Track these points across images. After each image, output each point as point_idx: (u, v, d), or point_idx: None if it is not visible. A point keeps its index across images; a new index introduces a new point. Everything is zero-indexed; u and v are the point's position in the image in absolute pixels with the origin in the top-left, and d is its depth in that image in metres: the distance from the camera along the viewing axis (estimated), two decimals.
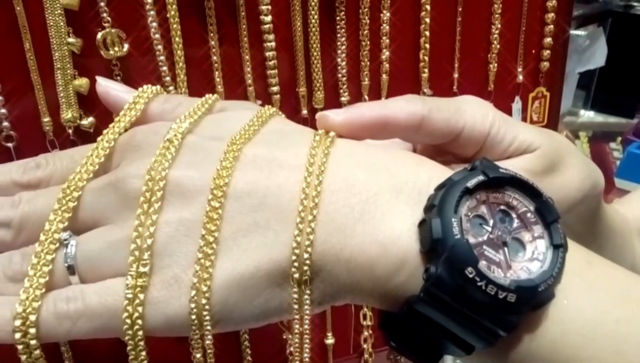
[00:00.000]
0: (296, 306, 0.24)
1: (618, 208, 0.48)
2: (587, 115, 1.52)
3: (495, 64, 0.52)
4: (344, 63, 0.44)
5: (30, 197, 0.25)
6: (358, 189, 0.24)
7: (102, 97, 0.29)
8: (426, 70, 0.48)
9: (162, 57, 0.37)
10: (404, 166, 0.25)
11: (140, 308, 0.22)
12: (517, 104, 0.56)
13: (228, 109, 0.29)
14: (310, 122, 0.44)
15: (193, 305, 0.22)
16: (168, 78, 0.38)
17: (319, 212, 0.23)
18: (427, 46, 0.47)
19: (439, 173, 0.25)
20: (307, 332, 0.26)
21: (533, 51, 0.54)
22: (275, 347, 0.50)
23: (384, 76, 0.46)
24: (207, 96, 0.30)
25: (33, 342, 0.23)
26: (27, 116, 0.34)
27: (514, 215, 0.23)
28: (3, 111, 0.33)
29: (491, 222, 0.23)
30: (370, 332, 0.54)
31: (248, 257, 0.23)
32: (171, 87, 0.38)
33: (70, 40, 0.34)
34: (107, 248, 0.23)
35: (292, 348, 0.51)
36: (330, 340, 0.52)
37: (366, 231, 0.23)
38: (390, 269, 0.23)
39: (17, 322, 0.22)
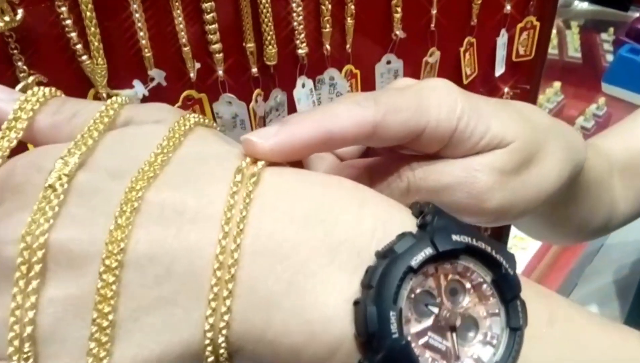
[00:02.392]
0: None
1: (599, 143, 0.44)
2: (581, 6, 1.43)
3: None
4: (299, 9, 0.37)
5: None
6: (286, 251, 0.20)
7: None
8: (399, 9, 0.41)
9: (68, 21, 0.30)
10: (343, 214, 0.21)
11: None
12: (502, 38, 0.49)
13: (135, 119, 0.24)
14: (261, 82, 0.38)
15: None
16: (79, 46, 0.31)
17: (236, 284, 0.19)
18: None
19: (386, 219, 0.21)
20: None
21: None
22: None
23: (349, 20, 0.39)
24: (111, 100, 0.24)
25: None
26: None
27: (467, 285, 0.20)
28: None
29: (439, 300, 0.19)
30: None
31: (153, 340, 0.19)
32: (85, 56, 0.31)
33: None
34: None
35: None
36: None
37: (294, 308, 0.19)
38: (319, 356, 0.19)
39: None
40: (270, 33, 0.36)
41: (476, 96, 0.29)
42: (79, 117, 0.23)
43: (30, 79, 0.30)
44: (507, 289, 0.20)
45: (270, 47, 0.37)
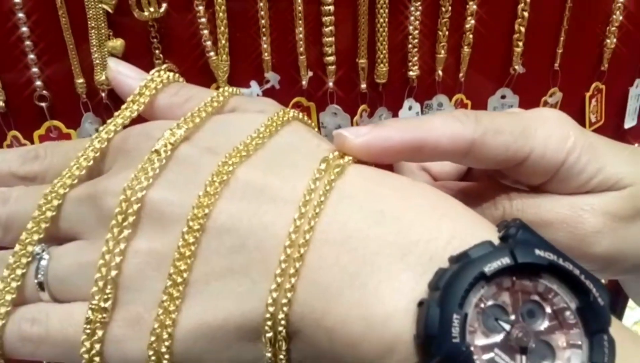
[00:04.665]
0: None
1: None
2: None
3: (614, 39, 0.42)
4: (416, 32, 0.38)
5: (20, 195, 0.25)
6: (355, 243, 0.20)
7: (113, 84, 0.27)
8: (521, 43, 0.40)
9: (203, 20, 0.34)
10: (420, 217, 0.21)
11: (98, 345, 0.21)
12: (636, 89, 0.46)
13: (240, 108, 0.26)
14: (369, 98, 0.39)
15: (151, 352, 0.21)
16: (209, 43, 0.34)
17: (303, 265, 0.20)
18: (526, 14, 0.39)
19: (466, 230, 0.20)
20: None
21: None
22: None
23: (466, 49, 0.39)
24: (222, 89, 0.27)
25: None
26: (61, 76, 0.33)
27: (548, 309, 0.18)
28: (35, 69, 0.32)
29: (513, 317, 0.18)
30: None
31: (218, 306, 0.21)
32: (212, 53, 0.34)
33: None
34: (77, 269, 0.22)
35: None
36: None
37: (354, 302, 0.19)
38: (376, 352, 0.19)
39: None
40: (384, 52, 0.37)
41: (594, 133, 0.27)
42: (193, 101, 0.26)
43: (164, 66, 0.34)
44: (593, 320, 0.18)
45: (382, 65, 0.38)
